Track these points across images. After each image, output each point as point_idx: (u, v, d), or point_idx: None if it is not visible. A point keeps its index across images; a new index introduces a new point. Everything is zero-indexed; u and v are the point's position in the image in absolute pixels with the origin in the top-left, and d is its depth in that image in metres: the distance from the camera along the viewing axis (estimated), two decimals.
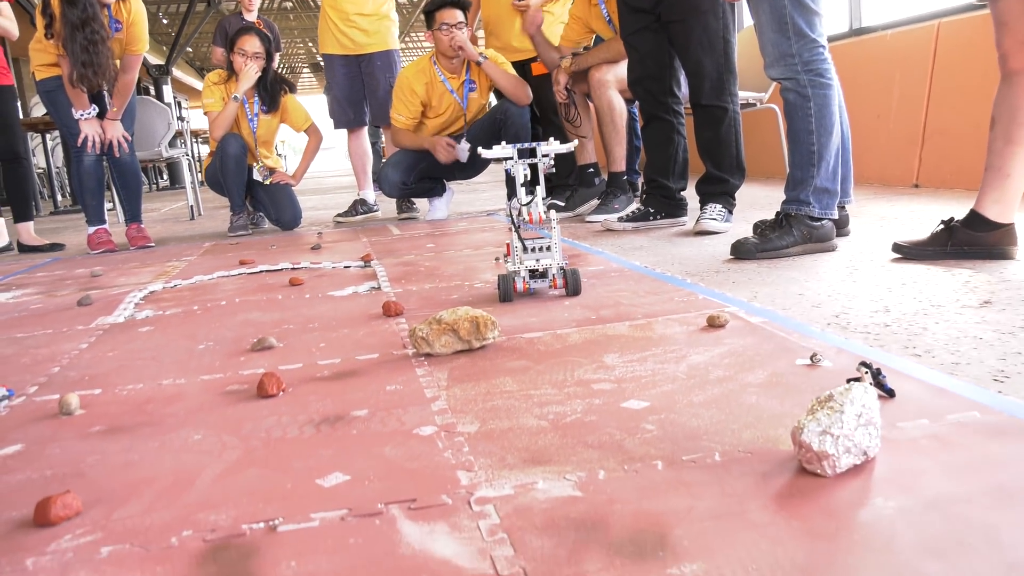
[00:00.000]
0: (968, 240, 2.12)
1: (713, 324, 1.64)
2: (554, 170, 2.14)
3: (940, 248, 2.15)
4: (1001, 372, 1.28)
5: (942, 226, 2.17)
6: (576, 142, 2.35)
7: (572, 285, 2.06)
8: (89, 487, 1.09)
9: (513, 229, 2.04)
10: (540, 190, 2.11)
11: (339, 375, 1.54)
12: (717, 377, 1.33)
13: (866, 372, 1.18)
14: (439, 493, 0.98)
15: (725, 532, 0.83)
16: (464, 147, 4.15)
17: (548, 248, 2.07)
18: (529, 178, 2.12)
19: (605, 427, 1.15)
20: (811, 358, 1.36)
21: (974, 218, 2.13)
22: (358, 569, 0.83)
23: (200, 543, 0.91)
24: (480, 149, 2.18)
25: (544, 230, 2.15)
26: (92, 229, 4.19)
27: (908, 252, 2.21)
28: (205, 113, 4.40)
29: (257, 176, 4.48)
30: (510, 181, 2.13)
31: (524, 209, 2.07)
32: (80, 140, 3.99)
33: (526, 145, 2.15)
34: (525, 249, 2.07)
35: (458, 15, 4.04)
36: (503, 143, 2.18)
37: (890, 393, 1.16)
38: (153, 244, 4.28)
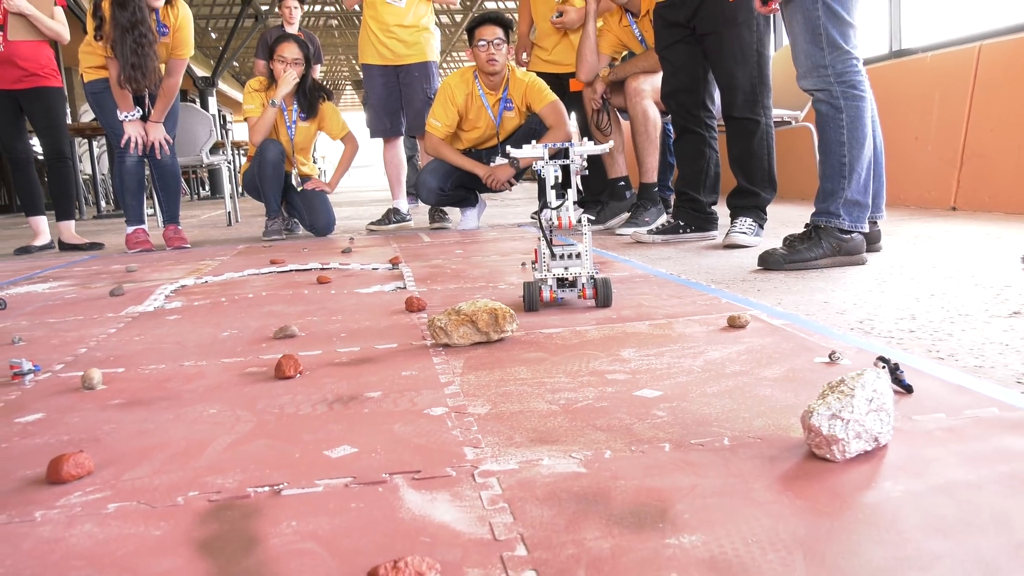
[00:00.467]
0: None
1: (733, 324, 1.62)
2: (587, 172, 2.04)
3: None
4: None
5: None
6: (611, 143, 2.25)
7: (603, 296, 1.93)
8: (103, 451, 1.11)
9: (541, 234, 1.93)
10: (572, 193, 1.97)
11: (357, 361, 1.55)
12: (733, 371, 1.32)
13: (883, 367, 1.16)
14: (444, 466, 0.98)
15: (727, 508, 0.82)
16: (513, 166, 4.18)
17: (578, 255, 1.95)
18: (560, 180, 1.99)
19: (616, 412, 1.15)
20: (830, 356, 1.34)
21: None
22: (357, 529, 0.83)
23: (205, 503, 0.92)
24: (509, 148, 2.04)
25: (572, 239, 2.06)
26: (131, 229, 4.27)
27: None
28: (245, 119, 4.48)
29: (293, 181, 4.54)
30: (540, 183, 2.08)
31: (554, 213, 1.94)
32: (123, 141, 4.09)
33: (557, 145, 2.04)
34: (553, 256, 1.94)
35: (497, 31, 4.08)
36: (532, 142, 2.09)
37: (908, 389, 1.14)
38: (189, 245, 4.35)
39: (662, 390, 1.24)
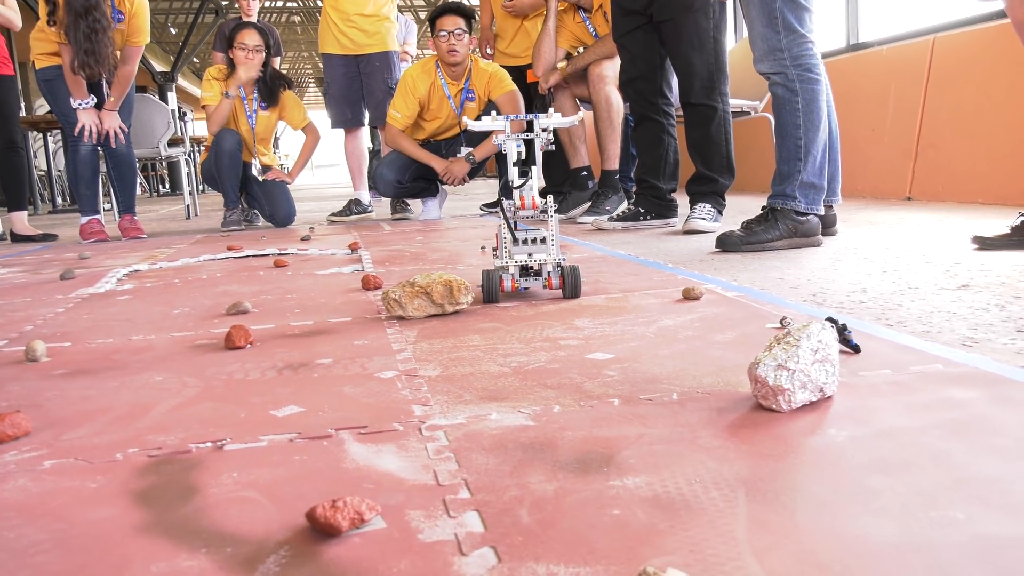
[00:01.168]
0: None
1: (688, 296, 1.63)
2: (553, 147, 1.93)
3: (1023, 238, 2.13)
4: (971, 339, 1.27)
5: (1023, 218, 2.15)
6: (581, 114, 2.14)
7: (571, 285, 1.73)
8: (43, 416, 1.08)
9: (502, 217, 1.74)
10: (536, 171, 1.80)
11: (309, 333, 1.53)
12: (685, 336, 1.32)
13: (832, 326, 1.17)
14: (391, 422, 0.97)
15: (673, 454, 0.82)
16: (469, 161, 4.18)
17: (543, 241, 1.75)
18: (523, 157, 1.81)
19: (567, 373, 1.14)
20: (780, 321, 1.35)
21: None
22: (299, 479, 0.81)
23: (145, 458, 0.90)
24: (465, 119, 1.87)
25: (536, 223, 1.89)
26: (85, 219, 4.19)
27: (991, 243, 2.17)
28: (203, 107, 4.42)
29: (254, 171, 4.49)
30: (501, 160, 1.97)
31: (516, 193, 1.77)
32: (77, 129, 4.01)
33: (521, 117, 1.89)
34: (516, 241, 1.74)
35: (459, 22, 4.08)
36: (492, 113, 1.90)
37: (855, 348, 1.15)
38: (145, 235, 4.27)
39: (614, 353, 1.24)
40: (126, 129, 4.19)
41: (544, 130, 1.81)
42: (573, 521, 0.68)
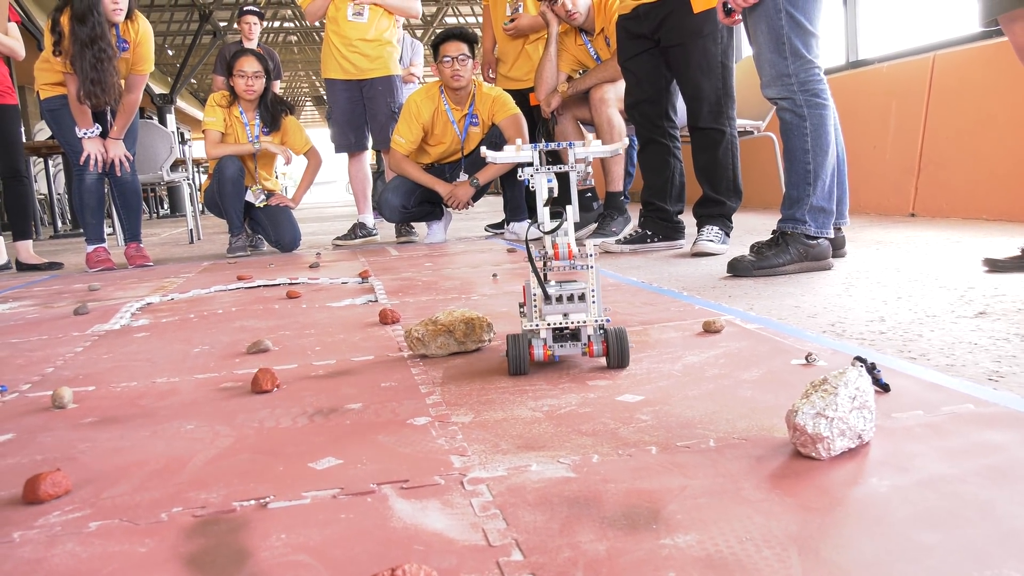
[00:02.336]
0: None
1: (709, 329, 1.64)
2: (591, 182, 1.52)
3: None
4: (996, 372, 1.28)
5: None
6: (625, 141, 1.74)
7: (617, 353, 1.41)
8: (79, 470, 1.09)
9: (531, 268, 1.41)
10: (572, 211, 1.45)
11: (334, 373, 1.53)
12: (712, 375, 1.33)
13: (861, 366, 1.18)
14: (432, 475, 0.98)
15: (719, 507, 0.83)
16: (473, 185, 4.21)
17: (581, 297, 1.41)
18: (556, 194, 1.50)
19: (600, 417, 1.15)
20: (806, 358, 1.36)
21: None
22: (348, 539, 0.82)
23: (190, 518, 0.90)
24: (488, 154, 1.51)
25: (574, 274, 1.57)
26: (91, 247, 4.19)
27: (1003, 266, 2.18)
28: (204, 131, 4.44)
29: (250, 198, 4.50)
30: (530, 197, 1.64)
31: (548, 239, 1.44)
32: (83, 158, 4.02)
33: (552, 145, 1.50)
34: (548, 298, 1.41)
35: (462, 47, 4.10)
36: (518, 142, 1.54)
37: (885, 388, 1.16)
38: (152, 263, 4.28)
39: (644, 394, 1.25)
40: (131, 157, 4.20)
41: (579, 160, 1.51)
42: None
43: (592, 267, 1.44)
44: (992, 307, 1.76)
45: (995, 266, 2.20)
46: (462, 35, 4.17)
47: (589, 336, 1.43)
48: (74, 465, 1.11)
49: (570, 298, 1.41)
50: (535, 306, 1.43)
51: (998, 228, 3.29)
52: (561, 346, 1.43)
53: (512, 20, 4.60)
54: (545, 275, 1.43)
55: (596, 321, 1.42)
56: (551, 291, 1.41)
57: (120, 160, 4.12)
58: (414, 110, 4.19)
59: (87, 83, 3.79)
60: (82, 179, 4.09)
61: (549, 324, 1.42)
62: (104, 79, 3.81)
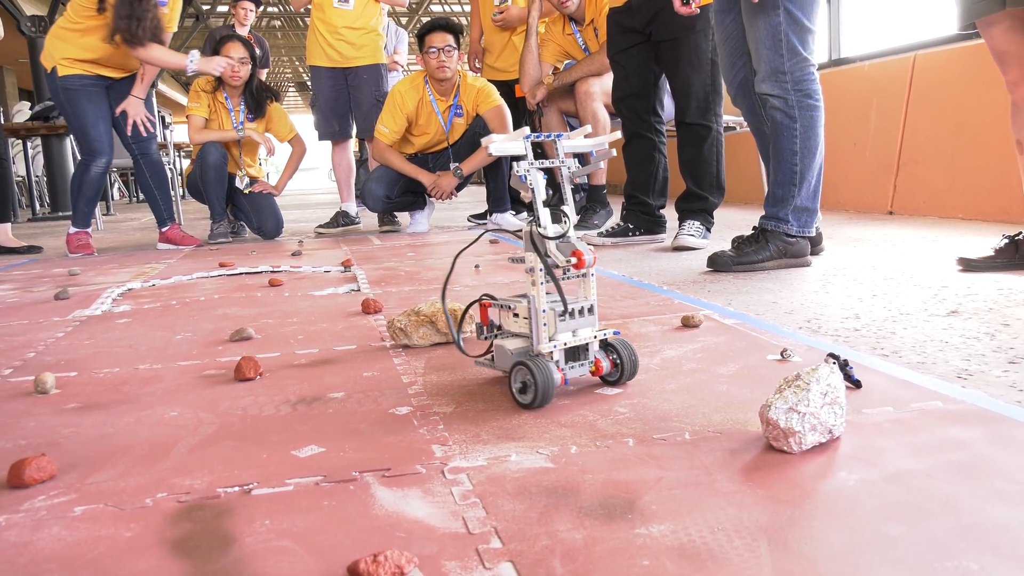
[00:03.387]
0: None
1: (687, 324, 1.66)
2: (585, 180, 1.27)
3: (1008, 260, 2.20)
4: (965, 371, 1.31)
5: (1007, 240, 2.21)
6: (618, 134, 1.47)
7: (629, 367, 1.28)
8: (64, 455, 1.09)
9: (551, 280, 1.21)
10: (570, 212, 1.24)
11: (317, 362, 1.55)
12: (689, 369, 1.36)
13: (833, 363, 1.20)
14: (413, 464, 1.00)
15: (693, 498, 0.85)
16: (456, 175, 4.22)
17: (591, 310, 1.26)
18: (553, 195, 1.31)
19: (578, 410, 1.17)
20: (781, 353, 1.39)
21: None
22: (331, 526, 0.84)
23: (175, 504, 0.92)
24: (490, 147, 1.23)
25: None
26: (74, 230, 4.14)
27: (976, 266, 2.23)
28: (187, 116, 4.42)
29: (239, 184, 4.50)
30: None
31: (554, 248, 1.21)
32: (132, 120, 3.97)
33: (545, 136, 1.30)
34: (566, 312, 1.22)
35: (448, 39, 4.11)
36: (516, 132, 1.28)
37: (856, 384, 1.19)
38: (201, 243, 4.30)
39: (622, 388, 1.27)
40: (153, 120, 4.14)
41: (570, 155, 1.31)
42: (605, 572, 0.71)
43: (591, 274, 1.28)
44: (964, 306, 1.80)
45: (969, 266, 2.24)
46: (448, 26, 4.17)
47: (595, 353, 1.27)
48: (58, 450, 1.12)
49: (580, 312, 1.25)
50: (544, 324, 1.22)
51: (973, 227, 3.34)
52: (571, 367, 1.25)
53: (501, 12, 4.60)
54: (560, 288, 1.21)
55: (600, 334, 1.27)
56: (570, 304, 1.23)
57: (142, 120, 4.06)
58: (399, 100, 4.19)
59: (124, 19, 3.67)
60: (87, 169, 4.02)
61: (563, 344, 1.23)
62: (143, 15, 3.69)
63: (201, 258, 3.60)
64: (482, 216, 4.83)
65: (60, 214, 8.10)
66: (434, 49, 4.08)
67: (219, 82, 4.39)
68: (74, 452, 1.11)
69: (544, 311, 1.22)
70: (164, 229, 4.28)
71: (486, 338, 1.34)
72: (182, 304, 2.32)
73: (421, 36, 4.18)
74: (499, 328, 1.33)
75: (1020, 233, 2.21)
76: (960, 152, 3.77)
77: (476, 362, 1.36)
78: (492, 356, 1.31)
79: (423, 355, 1.55)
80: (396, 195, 4.37)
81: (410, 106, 4.19)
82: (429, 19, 4.27)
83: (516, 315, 1.28)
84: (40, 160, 10.21)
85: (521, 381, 1.20)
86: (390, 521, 0.84)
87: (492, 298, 1.33)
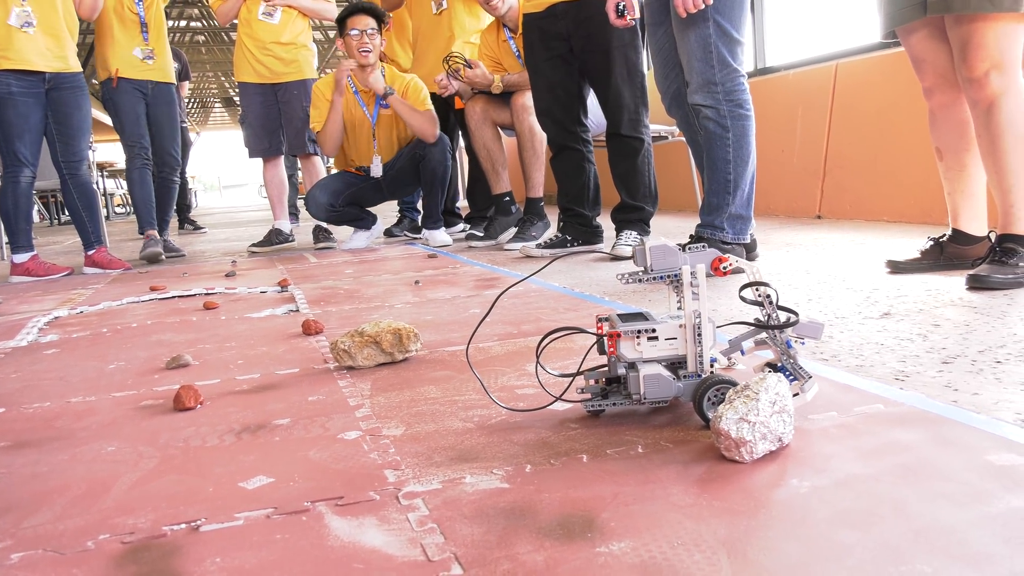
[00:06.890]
0: (957, 253, 2.26)
1: None
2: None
3: (933, 261, 2.27)
4: (902, 372, 1.35)
5: (932, 242, 2.29)
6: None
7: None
8: None
9: (671, 288, 1.24)
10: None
11: (259, 388, 1.51)
12: None
13: (771, 371, 1.22)
14: (366, 490, 0.98)
15: (650, 514, 0.86)
16: (376, 162, 4.20)
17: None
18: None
19: (531, 427, 1.17)
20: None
21: (958, 235, 2.27)
22: (286, 561, 0.81)
23: (118, 545, 0.88)
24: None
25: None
26: (26, 256, 3.90)
27: (904, 268, 2.30)
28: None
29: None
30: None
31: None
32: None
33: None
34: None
35: (370, 21, 4.05)
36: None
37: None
38: (131, 267, 4.12)
39: (571, 403, 1.27)
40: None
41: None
42: None
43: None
44: (895, 308, 1.85)
45: (897, 268, 2.31)
46: (370, 9, 4.10)
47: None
48: None
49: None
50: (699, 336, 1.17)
51: (898, 229, 3.46)
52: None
53: (440, 13, 4.52)
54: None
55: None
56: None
57: None
58: (320, 94, 4.15)
59: None
60: (17, 182, 3.76)
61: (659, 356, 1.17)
62: None
63: (130, 282, 3.50)
64: (399, 225, 5.05)
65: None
66: (356, 31, 4.01)
67: None
68: (6, 494, 1.06)
69: (708, 321, 1.16)
70: (91, 252, 4.10)
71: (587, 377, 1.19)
72: (113, 331, 2.24)
73: (342, 20, 4.08)
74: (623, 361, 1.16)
75: (944, 235, 2.30)
76: (883, 157, 3.89)
77: (587, 409, 1.18)
78: (624, 391, 1.17)
79: (369, 376, 1.53)
80: (340, 204, 4.30)
81: (332, 98, 4.13)
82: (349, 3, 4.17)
83: (655, 338, 1.15)
84: None
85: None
86: (347, 552, 0.82)
87: (607, 322, 1.16)
